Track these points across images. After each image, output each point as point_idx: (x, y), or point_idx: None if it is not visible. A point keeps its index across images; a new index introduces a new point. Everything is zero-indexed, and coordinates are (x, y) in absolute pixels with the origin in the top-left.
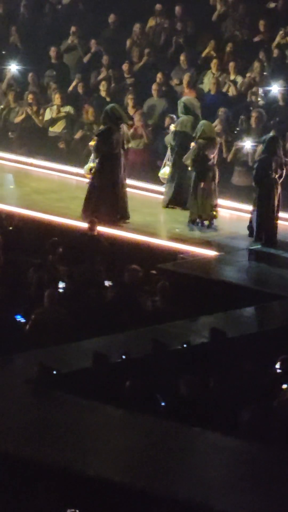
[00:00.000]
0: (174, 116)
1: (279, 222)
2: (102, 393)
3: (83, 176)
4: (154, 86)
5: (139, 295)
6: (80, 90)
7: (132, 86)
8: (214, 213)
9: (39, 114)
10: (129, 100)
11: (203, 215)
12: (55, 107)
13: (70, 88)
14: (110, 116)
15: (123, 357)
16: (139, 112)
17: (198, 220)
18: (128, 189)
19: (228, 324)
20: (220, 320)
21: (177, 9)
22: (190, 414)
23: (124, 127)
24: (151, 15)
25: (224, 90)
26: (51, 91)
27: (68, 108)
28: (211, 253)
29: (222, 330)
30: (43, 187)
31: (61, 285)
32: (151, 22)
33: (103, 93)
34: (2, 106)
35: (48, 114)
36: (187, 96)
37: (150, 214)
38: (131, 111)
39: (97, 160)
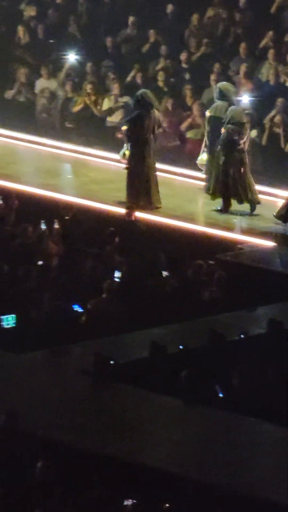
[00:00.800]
0: (233, 106)
1: None
2: (159, 383)
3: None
4: (212, 77)
5: (197, 286)
6: (138, 80)
7: (190, 77)
8: (255, 197)
9: (97, 104)
10: (187, 90)
11: (239, 199)
12: (113, 97)
13: (128, 79)
14: (141, 101)
15: (181, 347)
16: (197, 103)
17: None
18: (186, 179)
19: (287, 315)
20: (278, 311)
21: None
22: (248, 405)
23: (155, 112)
24: (209, 6)
25: (281, 81)
26: (109, 81)
27: (126, 98)
28: (269, 243)
29: (280, 320)
30: (100, 177)
31: (117, 275)
32: (210, 13)
33: (160, 83)
34: (60, 96)
35: (106, 104)
36: (224, 82)
37: (208, 204)
38: (189, 101)
39: (129, 145)
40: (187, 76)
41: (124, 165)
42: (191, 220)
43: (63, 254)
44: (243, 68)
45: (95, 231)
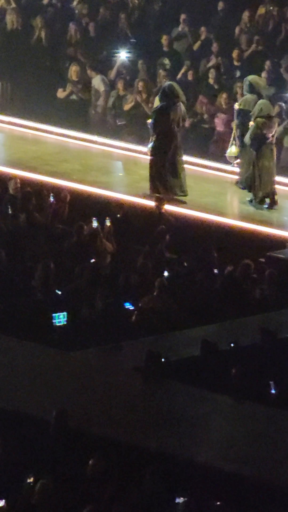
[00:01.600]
0: (283, 104)
1: None
2: (210, 381)
3: (195, 164)
4: (263, 74)
5: (247, 283)
6: (190, 77)
7: (241, 74)
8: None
9: (148, 101)
10: (238, 88)
11: (265, 193)
12: None
13: (179, 76)
14: (168, 93)
15: (232, 345)
16: None
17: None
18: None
19: None
20: None
21: None
22: None
23: (181, 105)
24: (261, 3)
25: None
26: (160, 78)
27: None
28: None
29: None
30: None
31: (167, 273)
32: (261, 10)
33: (211, 81)
34: (112, 94)
35: (157, 102)
36: (254, 75)
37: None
38: (239, 98)
39: (154, 137)
40: (238, 73)
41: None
42: (242, 218)
43: (115, 252)
44: None
45: (146, 229)
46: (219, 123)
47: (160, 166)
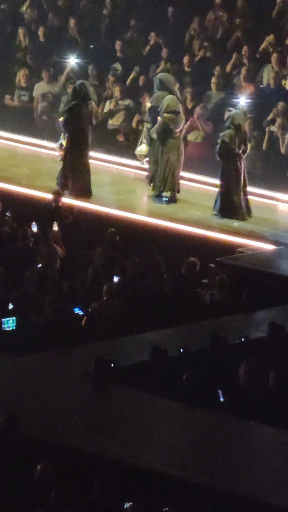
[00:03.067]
0: (232, 109)
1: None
2: (160, 386)
3: (140, 168)
4: (213, 79)
5: (197, 289)
6: (140, 82)
7: (190, 79)
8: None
9: (98, 106)
10: (187, 93)
11: (166, 188)
12: (114, 100)
13: (128, 81)
14: (79, 92)
15: (181, 350)
16: (199, 106)
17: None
18: (186, 182)
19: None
20: (279, 315)
21: (239, 3)
22: (249, 408)
23: (92, 104)
24: (210, 9)
25: (282, 83)
26: (110, 84)
27: (127, 101)
28: (269, 246)
29: (281, 324)
30: (101, 180)
31: (116, 278)
32: (210, 16)
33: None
34: (62, 99)
35: (107, 107)
36: (163, 72)
37: (209, 208)
38: (189, 104)
39: (66, 136)
40: (188, 79)
41: (60, 155)
42: (192, 223)
43: (63, 257)
44: (243, 71)
45: (95, 233)
46: None
47: (73, 163)
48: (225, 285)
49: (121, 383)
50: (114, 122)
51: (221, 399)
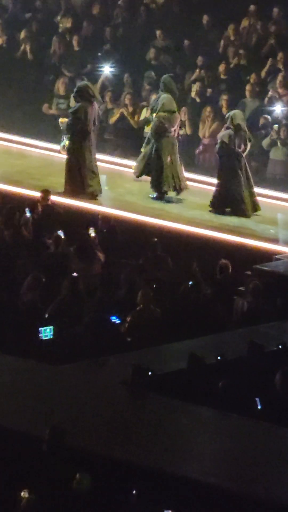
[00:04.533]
0: (269, 117)
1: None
2: (197, 394)
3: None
4: (247, 87)
5: (234, 296)
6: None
7: (226, 87)
8: (182, 183)
9: (134, 115)
10: (223, 100)
11: (166, 186)
12: (149, 108)
13: None
14: (84, 93)
15: (219, 358)
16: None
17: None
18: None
19: None
20: None
21: (275, 10)
22: (285, 415)
23: (95, 105)
24: (245, 16)
25: None
26: (146, 92)
27: None
28: None
29: None
30: (136, 188)
31: (154, 285)
32: (245, 23)
33: (192, 94)
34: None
35: (143, 114)
36: (167, 75)
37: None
38: (225, 111)
39: (69, 137)
40: (223, 86)
41: (65, 156)
42: (228, 231)
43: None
44: (279, 77)
45: (133, 242)
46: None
47: (77, 165)
48: (259, 292)
49: (158, 392)
50: (148, 130)
51: (259, 407)
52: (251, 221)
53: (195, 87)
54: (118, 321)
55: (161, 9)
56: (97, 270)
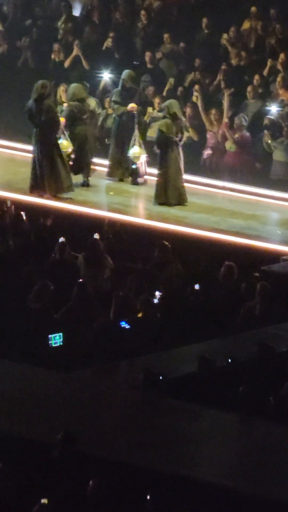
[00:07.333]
0: (272, 117)
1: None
2: (209, 397)
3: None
4: (248, 88)
5: (243, 298)
6: (179, 93)
7: (226, 88)
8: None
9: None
10: (224, 102)
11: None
12: (154, 111)
13: (164, 93)
14: (77, 96)
15: (230, 360)
16: (237, 116)
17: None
18: (227, 192)
19: None
20: None
21: (272, 11)
22: None
23: (90, 102)
24: (245, 18)
25: None
26: (148, 96)
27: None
28: None
29: None
30: (143, 192)
31: (159, 291)
32: (246, 25)
33: (194, 98)
34: (99, 112)
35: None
36: (127, 70)
37: (252, 216)
38: (227, 113)
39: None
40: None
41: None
42: (235, 233)
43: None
44: (279, 78)
45: (138, 247)
46: (210, 137)
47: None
48: (267, 293)
49: (170, 395)
50: (151, 134)
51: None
52: (258, 222)
53: (195, 92)
54: (127, 327)
55: (161, 13)
56: (107, 275)
